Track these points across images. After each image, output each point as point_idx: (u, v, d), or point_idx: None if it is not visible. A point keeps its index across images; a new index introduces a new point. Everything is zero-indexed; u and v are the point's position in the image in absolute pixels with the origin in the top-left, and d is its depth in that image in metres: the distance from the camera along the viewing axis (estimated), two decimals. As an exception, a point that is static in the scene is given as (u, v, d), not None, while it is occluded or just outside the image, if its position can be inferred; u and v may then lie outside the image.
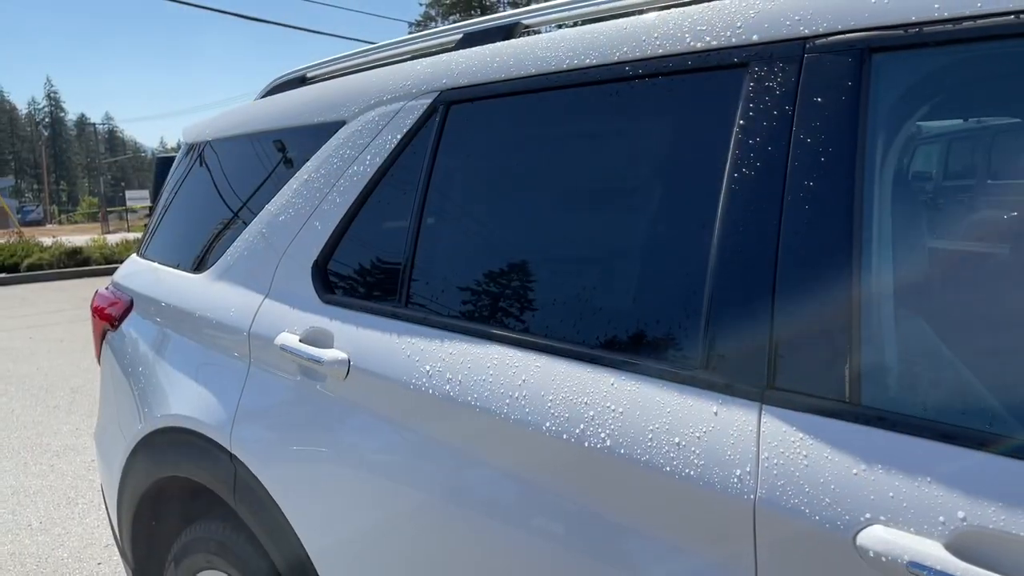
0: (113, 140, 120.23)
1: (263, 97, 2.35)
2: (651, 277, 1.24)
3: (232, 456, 1.82)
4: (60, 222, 68.20)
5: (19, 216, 59.17)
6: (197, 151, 2.48)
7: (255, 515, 1.78)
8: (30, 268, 14.69)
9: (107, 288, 2.58)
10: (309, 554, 1.66)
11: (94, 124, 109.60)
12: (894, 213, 1.06)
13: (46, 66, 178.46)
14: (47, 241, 16.34)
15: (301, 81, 2.29)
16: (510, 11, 1.74)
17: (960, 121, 1.23)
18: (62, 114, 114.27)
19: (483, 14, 54.14)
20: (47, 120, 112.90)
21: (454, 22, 63.67)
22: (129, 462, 2.19)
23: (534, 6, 1.71)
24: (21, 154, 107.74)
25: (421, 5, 74.78)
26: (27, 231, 21.36)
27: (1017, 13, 0.97)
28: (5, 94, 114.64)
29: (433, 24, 73.65)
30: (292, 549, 1.69)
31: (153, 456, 2.10)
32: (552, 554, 1.22)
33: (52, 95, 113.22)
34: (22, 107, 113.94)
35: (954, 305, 1.03)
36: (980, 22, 0.98)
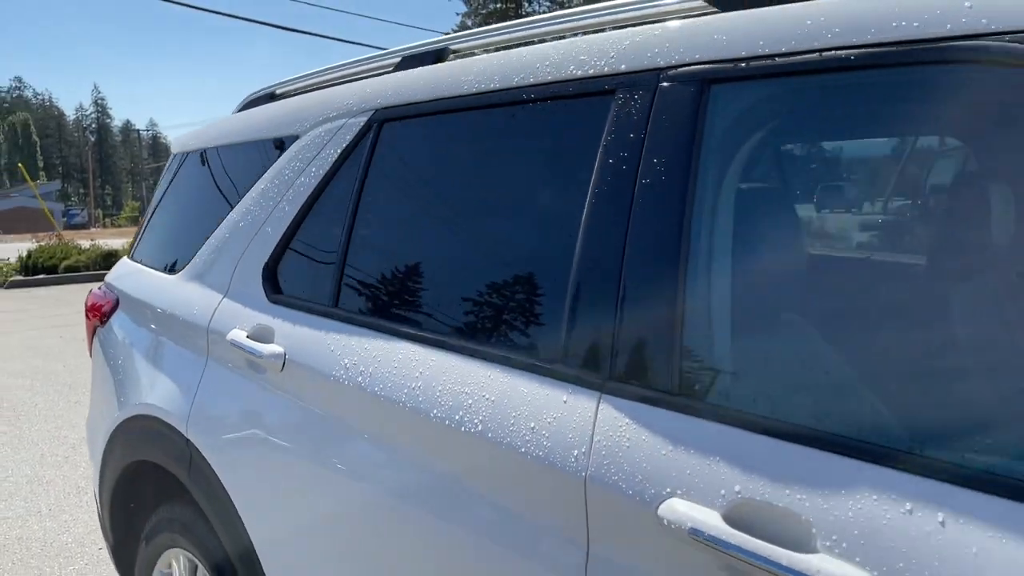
0: (156, 146, 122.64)
1: (239, 111, 2.53)
2: (525, 284, 1.38)
3: (188, 442, 1.99)
4: (104, 225, 69.75)
5: (64, 219, 60.66)
6: (179, 161, 2.67)
7: (207, 499, 1.95)
8: (67, 270, 15.16)
9: (100, 288, 2.78)
10: (250, 534, 1.82)
11: (138, 130, 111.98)
12: (723, 224, 1.19)
13: (94, 74, 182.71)
14: (86, 244, 16.83)
15: (271, 97, 2.47)
16: (442, 36, 1.90)
17: (798, 143, 1.36)
18: (108, 120, 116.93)
19: (517, 17, 53.88)
20: (93, 126, 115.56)
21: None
22: (108, 446, 2.37)
23: (461, 32, 1.86)
24: (68, 159, 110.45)
25: (457, 15, 75.38)
26: (71, 234, 21.95)
27: (820, 51, 1.10)
28: (54, 100, 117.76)
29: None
30: (237, 532, 1.85)
31: (127, 441, 2.28)
32: (441, 524, 1.37)
33: (99, 102, 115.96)
34: (70, 113, 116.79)
35: (761, 311, 1.16)
36: (794, 58, 1.12)
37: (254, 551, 1.82)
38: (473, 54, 1.85)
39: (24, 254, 15.80)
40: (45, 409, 6.05)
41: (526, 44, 1.69)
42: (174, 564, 2.21)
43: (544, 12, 75.75)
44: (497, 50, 1.80)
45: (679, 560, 1.04)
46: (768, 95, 1.18)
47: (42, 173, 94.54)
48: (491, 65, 1.58)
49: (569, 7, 68.04)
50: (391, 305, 1.62)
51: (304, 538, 1.69)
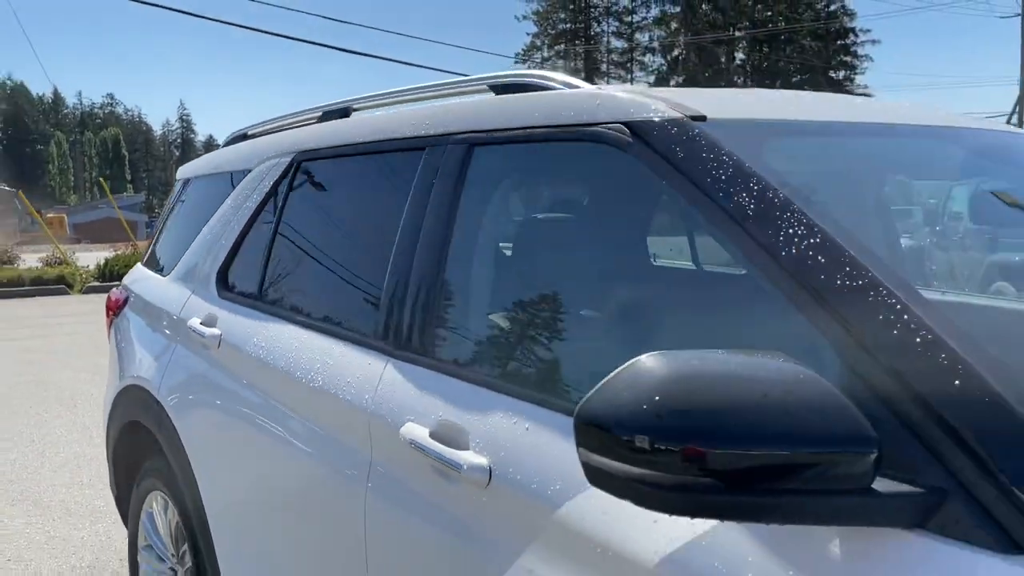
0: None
1: (224, 146, 3.15)
2: (363, 284, 1.93)
3: (160, 405, 2.58)
4: (184, 237, 72.48)
5: (148, 230, 63.66)
6: (181, 185, 3.30)
7: (171, 451, 2.54)
8: (140, 277, 16.25)
9: (118, 287, 3.43)
10: (195, 474, 2.40)
11: (219, 144, 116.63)
12: (474, 245, 1.72)
13: (180, 90, 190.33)
14: (158, 253, 17.94)
15: (244, 137, 3.08)
16: (348, 98, 2.46)
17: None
18: (192, 135, 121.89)
19: (588, 43, 53.90)
20: (179, 140, 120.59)
21: (559, 52, 62.88)
22: (112, 411, 3.00)
23: (364, 95, 2.43)
24: (154, 172, 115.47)
25: (528, 35, 76.57)
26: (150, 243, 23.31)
27: (522, 128, 1.62)
28: (143, 116, 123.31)
29: (538, 53, 75.08)
30: (189, 474, 2.43)
31: (123, 405, 2.90)
32: (302, 449, 1.92)
33: (184, 117, 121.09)
34: (157, 129, 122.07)
35: (475, 304, 1.68)
36: (513, 133, 1.64)
37: (199, 488, 2.40)
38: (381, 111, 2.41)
39: (102, 262, 17.04)
40: (99, 398, 6.82)
41: (408, 102, 2.25)
42: (155, 504, 2.81)
43: (612, 32, 74.64)
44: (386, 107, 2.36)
45: (409, 462, 1.57)
46: (504, 155, 1.71)
47: (129, 186, 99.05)
48: (364, 123, 2.14)
49: (634, 29, 67.13)
50: (288, 298, 2.20)
51: (229, 472, 2.26)
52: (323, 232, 2.18)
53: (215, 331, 2.35)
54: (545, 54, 73.37)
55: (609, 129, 1.45)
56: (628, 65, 75.21)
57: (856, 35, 67.82)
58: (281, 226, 2.34)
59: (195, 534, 2.43)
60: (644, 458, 0.92)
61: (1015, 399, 0.93)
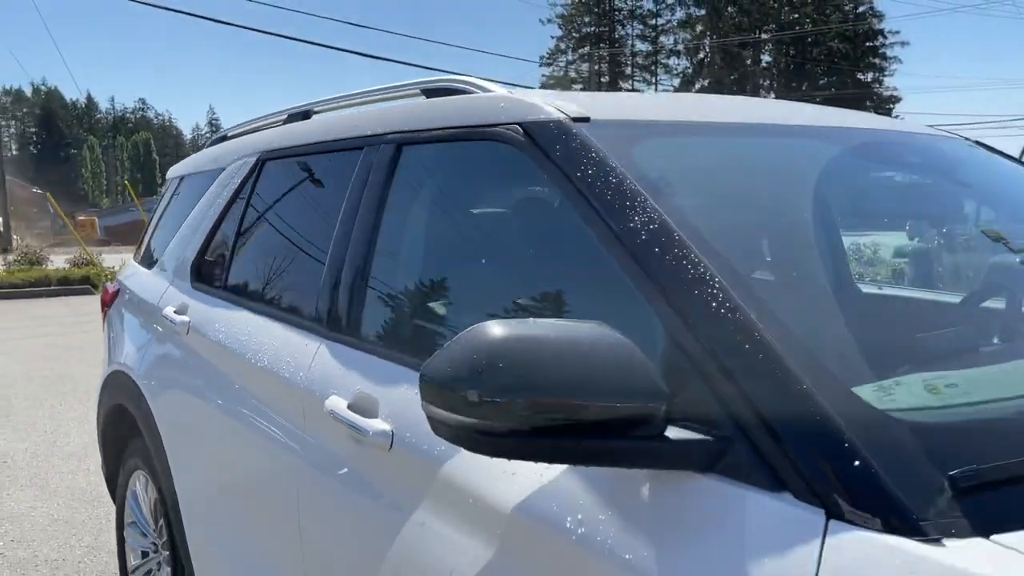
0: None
1: (209, 147, 3.34)
2: (307, 274, 2.10)
3: (139, 389, 2.77)
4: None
5: (177, 233, 64.80)
6: (176, 182, 3.50)
7: (148, 431, 2.72)
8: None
9: (112, 282, 3.63)
10: (167, 453, 2.58)
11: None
12: (397, 236, 1.88)
13: (210, 96, 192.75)
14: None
15: (224, 138, 3.26)
16: (313, 101, 2.63)
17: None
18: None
19: (612, 47, 53.81)
20: (208, 144, 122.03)
21: (584, 55, 62.69)
22: (101, 395, 3.19)
23: (324, 98, 2.59)
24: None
25: (552, 38, 76.76)
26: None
27: (432, 129, 1.78)
28: (174, 121, 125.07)
29: (563, 57, 75.19)
30: (162, 452, 2.61)
31: (110, 389, 3.09)
32: (251, 422, 2.08)
33: (213, 122, 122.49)
34: (187, 133, 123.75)
35: (405, 289, 1.84)
36: (441, 132, 1.80)
37: (169, 465, 2.57)
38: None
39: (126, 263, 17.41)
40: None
41: (358, 104, 2.41)
42: (138, 483, 3.00)
43: (636, 35, 74.36)
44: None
45: (330, 431, 1.72)
46: (426, 154, 1.87)
47: (160, 189, 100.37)
48: (316, 125, 2.31)
49: (659, 32, 66.84)
50: (247, 287, 2.37)
51: (194, 448, 2.43)
52: (279, 226, 2.36)
53: (185, 318, 2.53)
54: (569, 57, 73.55)
55: (508, 129, 1.60)
56: (652, 68, 75.09)
57: (884, 37, 67.11)
58: (244, 221, 2.51)
59: (167, 508, 2.61)
60: (474, 410, 1.07)
61: (797, 366, 1.07)
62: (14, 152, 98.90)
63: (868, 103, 62.58)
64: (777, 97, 73.33)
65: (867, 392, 1.09)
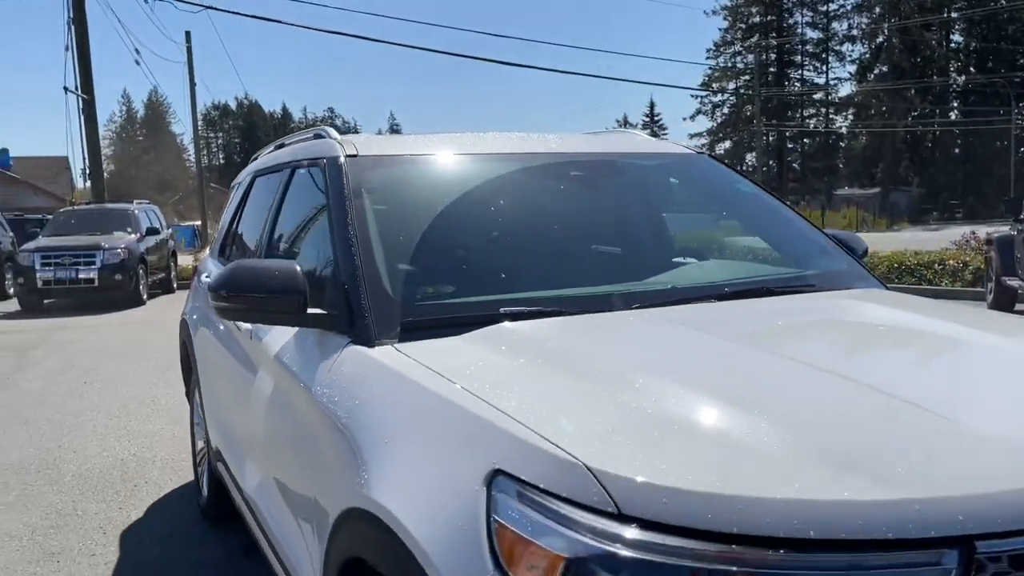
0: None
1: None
2: (254, 243, 3.41)
3: (189, 329, 4.21)
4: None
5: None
6: (237, 186, 4.95)
7: (192, 361, 4.15)
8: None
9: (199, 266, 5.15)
10: (199, 374, 3.99)
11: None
12: (273, 230, 3.14)
13: (391, 102, 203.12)
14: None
15: (279, 146, 4.63)
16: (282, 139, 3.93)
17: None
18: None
19: (780, 36, 52.36)
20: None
21: (751, 45, 60.97)
22: (179, 337, 4.70)
23: (292, 135, 3.89)
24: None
25: (719, 30, 75.63)
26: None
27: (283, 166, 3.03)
28: (359, 127, 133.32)
29: (729, 49, 73.83)
30: (196, 375, 4.03)
31: (181, 332, 4.58)
32: (233, 350, 3.44)
33: (394, 127, 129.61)
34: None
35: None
36: (295, 162, 3.06)
37: (199, 380, 3.98)
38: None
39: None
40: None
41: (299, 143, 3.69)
42: (196, 395, 4.46)
43: (807, 22, 71.32)
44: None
45: (241, 336, 3.03)
46: (301, 175, 3.12)
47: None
48: (266, 154, 3.62)
49: (830, 18, 63.94)
50: (231, 257, 3.73)
51: (206, 367, 3.82)
52: (253, 220, 3.69)
53: (206, 279, 3.93)
54: (736, 49, 72.29)
55: (318, 162, 2.82)
56: (823, 56, 72.38)
57: (1088, 9, 61.39)
58: (240, 216, 3.88)
59: (203, 408, 4.03)
60: (221, 303, 2.30)
61: (366, 289, 2.22)
62: (221, 161, 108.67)
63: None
64: (968, 79, 68.47)
65: (391, 290, 2.23)
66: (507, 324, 2.05)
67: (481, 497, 1.38)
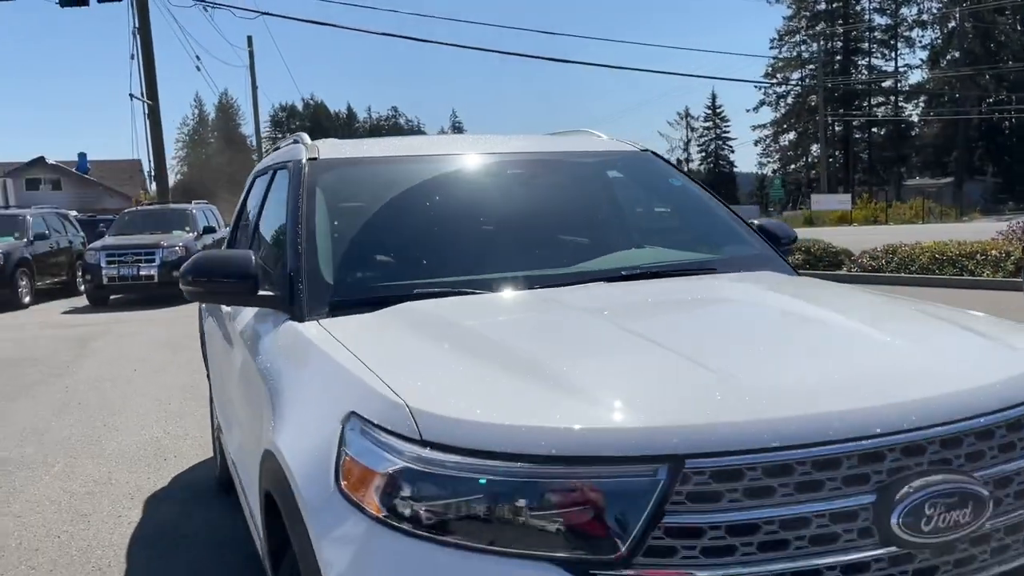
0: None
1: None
2: (247, 235, 3.84)
3: (201, 313, 4.68)
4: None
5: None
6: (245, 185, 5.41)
7: (203, 342, 4.61)
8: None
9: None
10: (208, 353, 4.44)
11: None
12: (267, 215, 3.56)
13: (453, 101, 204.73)
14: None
15: (275, 149, 5.08)
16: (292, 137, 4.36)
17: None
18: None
19: (847, 23, 51.42)
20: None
21: (819, 32, 59.54)
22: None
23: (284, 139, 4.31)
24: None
25: (784, 19, 74.33)
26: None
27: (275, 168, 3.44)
28: (422, 126, 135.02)
29: (790, 39, 72.45)
30: (205, 352, 4.48)
31: (199, 319, 5.06)
32: (222, 330, 3.88)
33: (456, 125, 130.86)
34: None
35: (252, 245, 3.52)
36: (278, 164, 3.46)
37: (207, 357, 4.44)
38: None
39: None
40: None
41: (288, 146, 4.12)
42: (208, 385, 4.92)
43: (875, 8, 69.33)
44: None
45: (226, 317, 3.45)
46: (280, 175, 3.53)
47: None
48: (271, 155, 4.05)
49: (899, 3, 62.03)
50: (235, 244, 4.17)
51: (210, 347, 4.27)
52: (252, 212, 4.12)
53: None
54: (801, 37, 70.91)
55: (287, 164, 3.22)
56: (892, 43, 70.53)
57: None
58: (241, 214, 4.32)
59: (211, 387, 4.49)
60: (188, 287, 2.72)
61: (325, 269, 2.61)
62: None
63: None
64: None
65: (327, 276, 2.61)
66: (413, 303, 2.41)
67: (337, 433, 1.75)
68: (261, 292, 2.63)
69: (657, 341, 1.94)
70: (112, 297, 15.75)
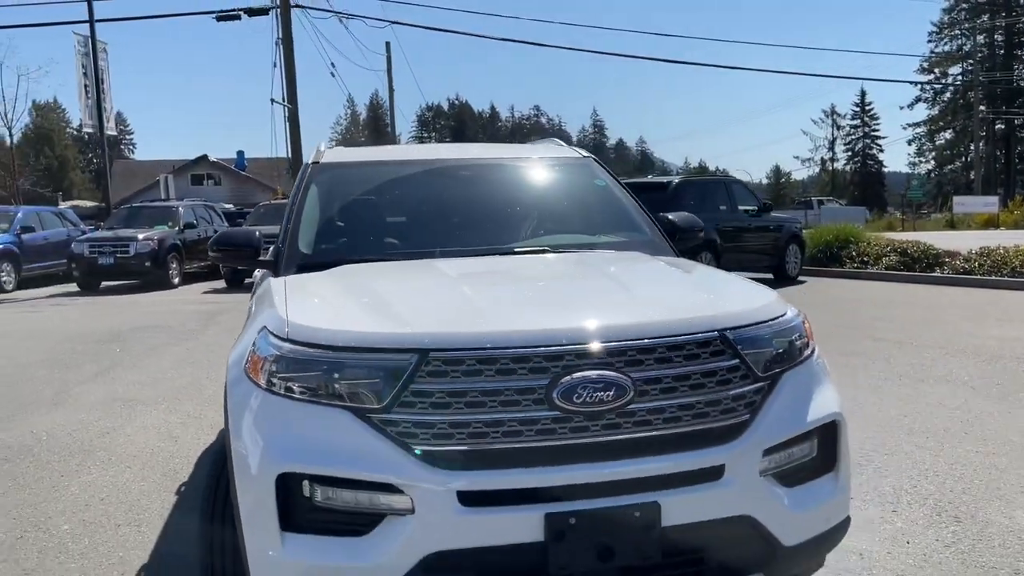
0: (644, 160, 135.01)
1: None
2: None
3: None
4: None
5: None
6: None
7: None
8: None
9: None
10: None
11: (628, 147, 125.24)
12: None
13: (594, 99, 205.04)
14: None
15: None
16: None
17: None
18: (604, 140, 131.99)
19: (1009, 14, 48.97)
20: (592, 145, 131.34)
21: (981, 24, 56.68)
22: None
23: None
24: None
25: (942, 11, 70.67)
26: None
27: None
28: (563, 124, 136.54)
29: (949, 32, 68.75)
30: None
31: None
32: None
33: (597, 123, 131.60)
34: (574, 135, 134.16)
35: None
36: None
37: None
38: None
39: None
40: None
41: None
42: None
43: None
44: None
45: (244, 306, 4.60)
46: (301, 174, 4.63)
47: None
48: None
49: None
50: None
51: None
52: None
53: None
54: (962, 29, 67.22)
55: (312, 165, 4.32)
56: (1059, 35, 65.63)
57: None
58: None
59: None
60: (213, 254, 3.86)
61: (302, 243, 3.70)
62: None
63: None
64: None
65: (303, 247, 3.67)
66: (349, 265, 3.43)
67: (253, 339, 2.79)
68: (260, 258, 3.75)
69: (466, 285, 2.89)
70: (246, 281, 17.74)
